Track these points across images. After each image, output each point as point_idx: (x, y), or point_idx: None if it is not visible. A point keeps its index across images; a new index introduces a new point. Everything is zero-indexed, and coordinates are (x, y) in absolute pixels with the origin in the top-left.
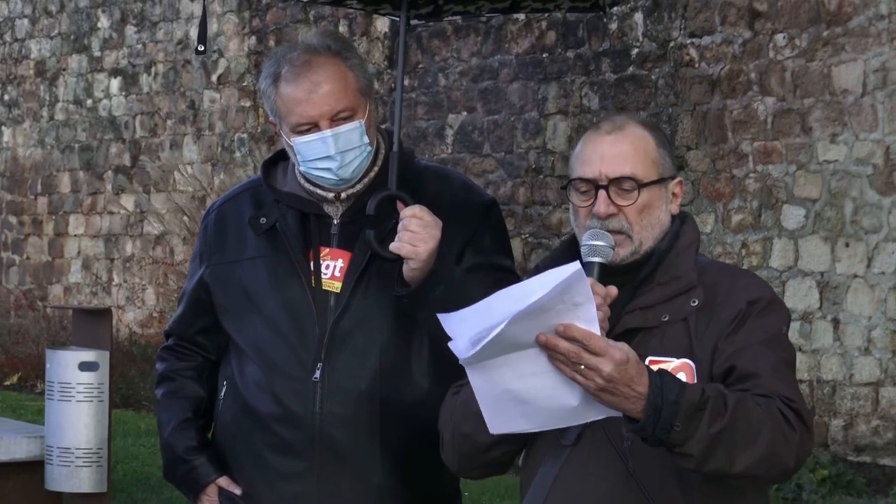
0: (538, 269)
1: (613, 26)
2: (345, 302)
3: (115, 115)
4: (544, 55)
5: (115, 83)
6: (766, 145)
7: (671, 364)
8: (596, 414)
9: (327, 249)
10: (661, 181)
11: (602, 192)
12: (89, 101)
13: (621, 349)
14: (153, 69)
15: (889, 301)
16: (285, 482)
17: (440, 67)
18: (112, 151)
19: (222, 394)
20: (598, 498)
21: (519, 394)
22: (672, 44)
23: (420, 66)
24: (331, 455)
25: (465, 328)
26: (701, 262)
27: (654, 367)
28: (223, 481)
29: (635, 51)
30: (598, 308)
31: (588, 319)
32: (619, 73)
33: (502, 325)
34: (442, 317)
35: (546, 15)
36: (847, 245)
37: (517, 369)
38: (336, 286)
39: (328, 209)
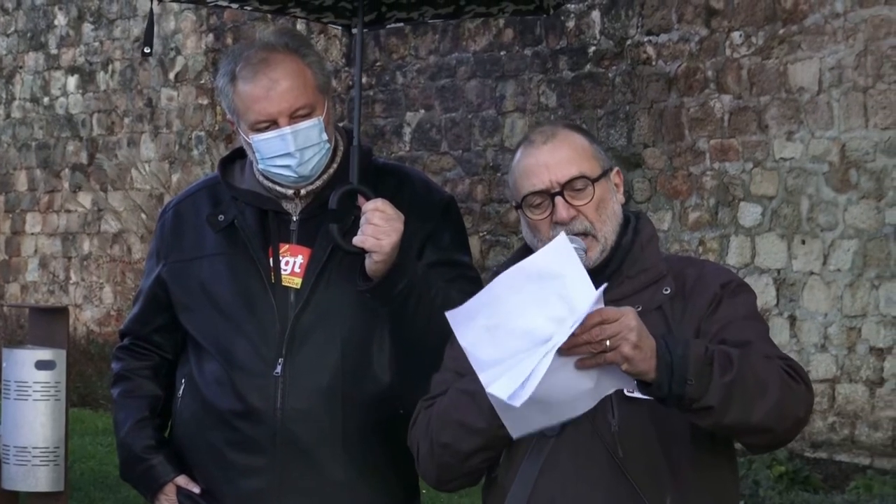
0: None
1: (571, 24)
2: (305, 297)
3: (73, 113)
4: (502, 53)
5: (72, 81)
6: (722, 143)
7: None
8: (609, 387)
9: (287, 246)
10: (605, 174)
11: (559, 199)
12: (46, 99)
13: (624, 307)
14: (110, 67)
15: (845, 298)
16: (245, 479)
17: (398, 65)
18: (69, 149)
19: (181, 392)
20: (587, 487)
21: (537, 397)
22: (629, 42)
23: (378, 63)
24: (292, 451)
25: (475, 329)
26: (662, 255)
27: None
28: (181, 480)
29: (592, 49)
30: None
31: (596, 303)
32: (576, 71)
33: (544, 368)
34: (450, 315)
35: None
36: (803, 242)
37: None
38: (296, 282)
39: (287, 206)
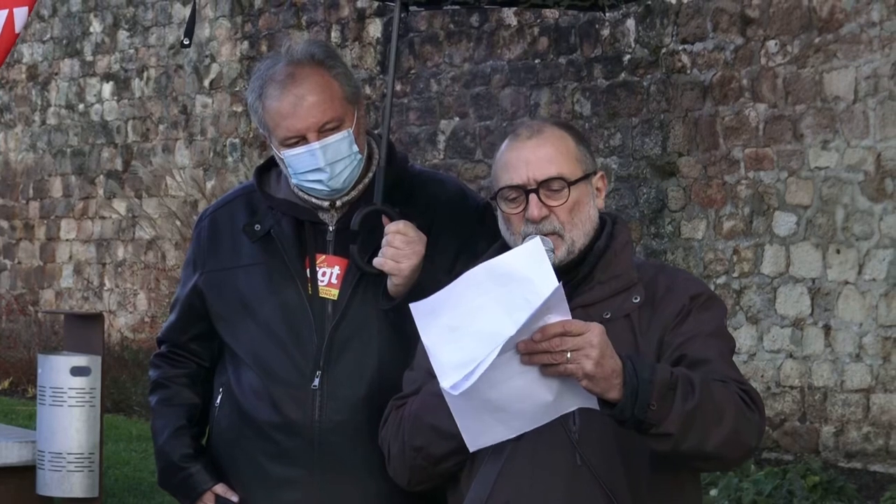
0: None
1: (605, 32)
2: (342, 309)
3: (107, 120)
4: (536, 61)
5: (107, 88)
6: (757, 152)
7: None
8: (570, 405)
9: (323, 256)
10: (585, 177)
11: (533, 196)
12: (81, 106)
13: (592, 322)
14: (145, 74)
15: (880, 308)
16: (283, 490)
17: (432, 73)
18: (104, 156)
19: (218, 401)
20: (546, 489)
21: (495, 402)
22: (664, 50)
23: (412, 71)
24: (330, 462)
25: (438, 327)
26: (636, 261)
27: None
28: (220, 488)
29: (627, 57)
30: None
31: (561, 313)
32: (611, 80)
33: (491, 359)
34: (413, 307)
35: (538, 21)
36: (838, 252)
37: (490, 379)
38: (333, 293)
39: (323, 216)
